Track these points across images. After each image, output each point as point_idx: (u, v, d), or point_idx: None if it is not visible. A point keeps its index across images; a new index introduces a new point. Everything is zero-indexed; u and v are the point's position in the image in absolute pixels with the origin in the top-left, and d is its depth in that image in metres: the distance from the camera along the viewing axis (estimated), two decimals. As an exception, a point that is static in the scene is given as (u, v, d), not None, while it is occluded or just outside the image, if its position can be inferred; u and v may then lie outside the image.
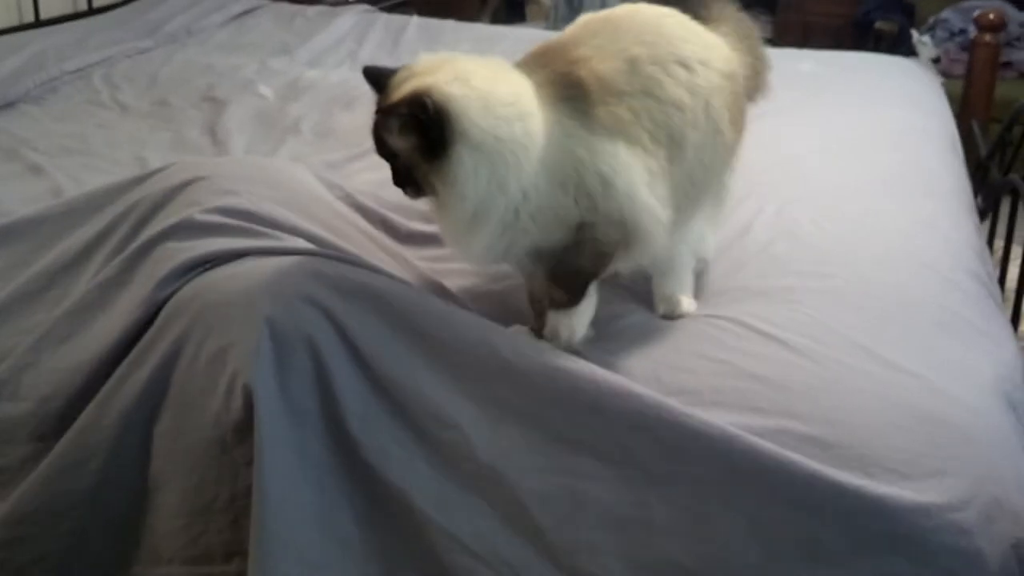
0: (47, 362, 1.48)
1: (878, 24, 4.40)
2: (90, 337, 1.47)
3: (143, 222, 1.58)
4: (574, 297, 1.43)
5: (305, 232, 1.57)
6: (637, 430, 1.27)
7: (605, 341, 1.48)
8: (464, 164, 1.27)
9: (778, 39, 4.99)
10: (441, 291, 1.57)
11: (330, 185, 1.82)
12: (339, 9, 3.61)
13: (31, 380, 1.47)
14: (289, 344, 1.33)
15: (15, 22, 3.26)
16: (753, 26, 1.67)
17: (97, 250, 1.60)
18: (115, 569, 1.43)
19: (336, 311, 1.36)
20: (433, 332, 1.35)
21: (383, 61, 3.07)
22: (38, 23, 3.28)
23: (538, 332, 1.47)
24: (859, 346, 1.43)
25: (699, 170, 1.45)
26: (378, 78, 1.36)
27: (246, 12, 3.56)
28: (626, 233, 1.38)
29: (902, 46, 4.28)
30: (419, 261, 1.69)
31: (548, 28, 5.03)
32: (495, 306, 1.57)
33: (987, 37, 3.15)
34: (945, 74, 4.03)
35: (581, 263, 1.41)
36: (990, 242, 2.57)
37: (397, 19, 3.55)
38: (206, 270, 1.45)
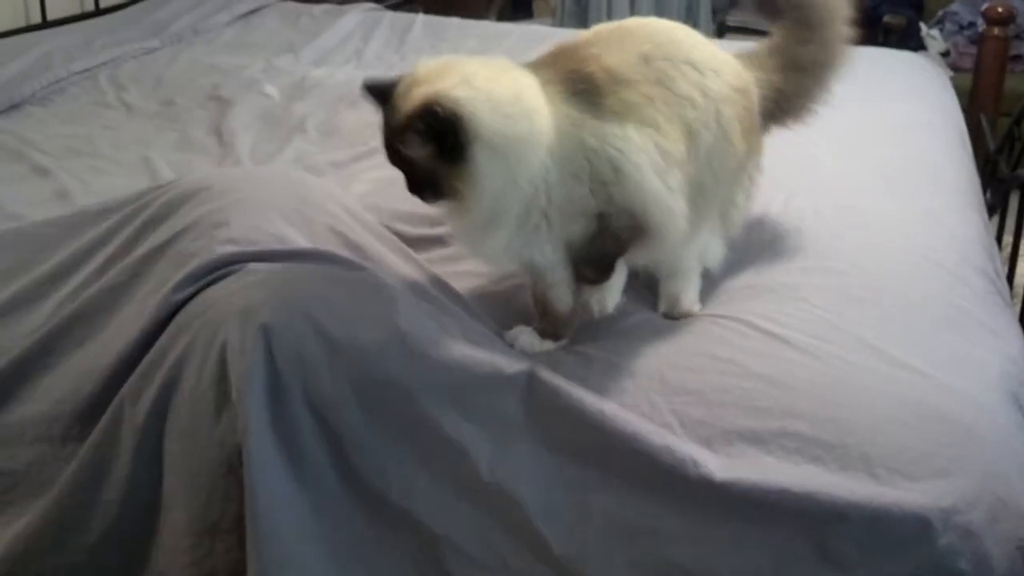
0: (61, 365, 1.49)
1: (887, 18, 4.36)
2: (104, 341, 1.48)
3: (149, 226, 1.58)
4: (602, 276, 1.46)
5: (315, 239, 1.57)
6: (638, 453, 1.27)
7: (610, 340, 1.48)
8: (481, 163, 1.29)
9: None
10: (449, 291, 1.56)
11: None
12: (345, 7, 3.60)
13: (47, 382, 1.48)
14: (284, 360, 1.33)
15: (22, 23, 3.26)
16: (807, 50, 1.66)
17: (97, 253, 1.60)
18: None
19: (333, 330, 1.35)
20: (432, 351, 1.34)
21: (389, 59, 3.08)
22: (45, 24, 3.28)
23: (541, 332, 1.47)
24: (864, 343, 1.42)
25: (709, 177, 1.45)
26: (380, 90, 1.36)
27: (252, 11, 3.55)
28: (638, 222, 1.38)
29: (911, 40, 4.26)
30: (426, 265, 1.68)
31: (555, 25, 5.03)
32: (499, 306, 1.57)
33: (996, 30, 3.13)
34: (954, 68, 4.01)
35: (605, 248, 1.43)
36: (999, 238, 2.56)
37: (403, 17, 3.54)
38: (219, 277, 1.45)
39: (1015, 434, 1.31)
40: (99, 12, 3.51)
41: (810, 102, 1.67)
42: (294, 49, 3.12)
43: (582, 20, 5.01)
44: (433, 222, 1.78)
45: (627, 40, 1.43)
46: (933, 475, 1.22)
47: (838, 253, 1.68)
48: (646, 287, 1.59)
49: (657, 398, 1.35)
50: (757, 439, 1.28)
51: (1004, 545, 1.19)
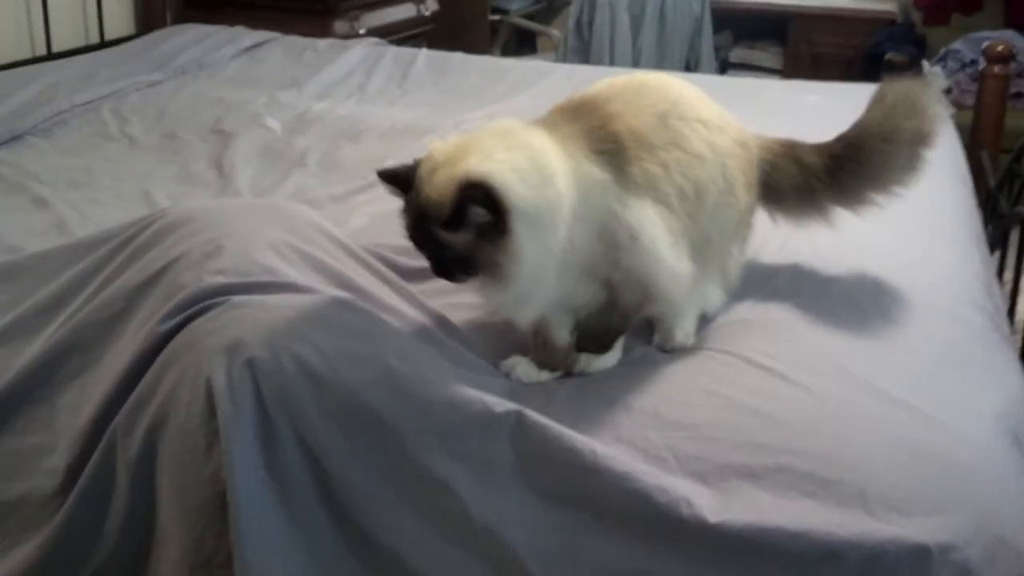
0: (57, 396, 1.49)
1: (889, 55, 4.39)
2: (99, 372, 1.48)
3: (138, 253, 1.58)
4: (603, 350, 1.48)
5: (306, 272, 1.56)
6: (630, 494, 1.25)
7: (604, 375, 1.47)
8: (520, 234, 1.29)
9: (788, 70, 5.01)
10: (445, 325, 1.56)
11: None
12: (349, 42, 3.63)
13: (43, 413, 1.48)
14: (271, 396, 1.33)
15: (28, 55, 3.29)
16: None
17: (92, 281, 1.60)
18: None
19: (320, 367, 1.34)
20: (421, 390, 1.32)
21: (392, 93, 3.10)
22: (50, 56, 3.31)
23: (539, 363, 1.47)
24: (860, 380, 1.41)
25: (715, 230, 1.49)
26: (399, 178, 1.37)
27: (256, 45, 3.57)
28: (646, 293, 1.42)
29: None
30: (421, 297, 1.68)
31: (558, 60, 5.07)
32: (496, 337, 1.56)
33: (996, 68, 3.14)
34: (956, 104, 4.02)
35: (611, 322, 1.47)
36: (1000, 274, 2.55)
37: (406, 52, 3.56)
38: (205, 308, 1.44)
39: (1012, 472, 1.30)
40: (104, 44, 3.54)
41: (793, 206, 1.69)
42: (298, 83, 3.13)
43: (584, 56, 5.05)
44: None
45: (644, 97, 1.47)
46: (929, 512, 1.20)
47: (835, 290, 1.68)
48: (641, 322, 1.58)
49: (651, 433, 1.33)
50: (752, 474, 1.26)
51: (1002, 583, 1.17)
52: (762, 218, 1.88)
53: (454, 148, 1.34)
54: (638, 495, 1.24)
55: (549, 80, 3.15)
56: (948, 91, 4.21)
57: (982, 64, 3.21)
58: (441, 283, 1.69)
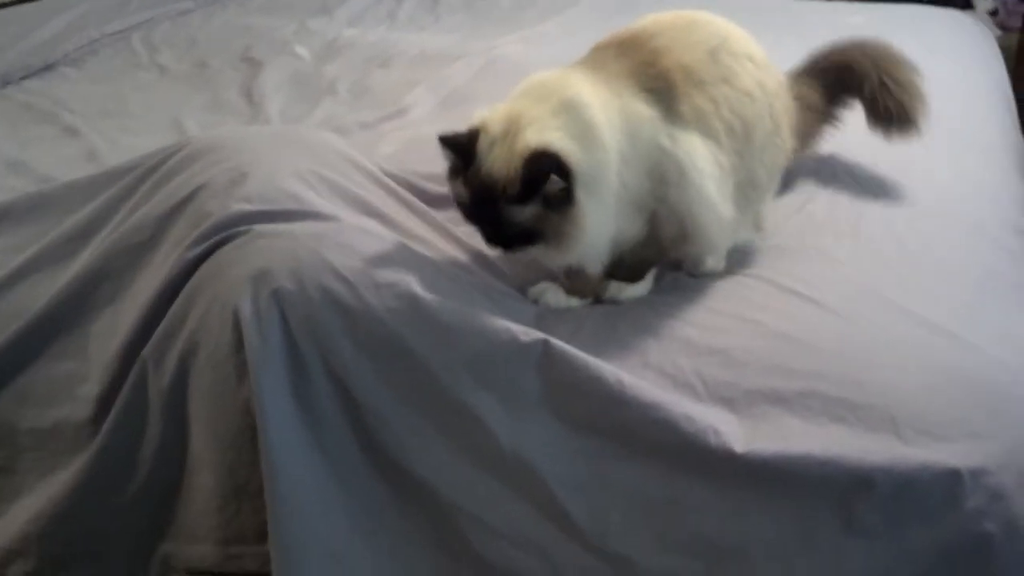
0: (89, 323, 1.50)
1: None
2: (130, 299, 1.48)
3: (163, 181, 1.58)
4: (635, 278, 1.48)
5: (331, 199, 1.55)
6: (658, 424, 1.24)
7: (634, 301, 1.46)
8: (583, 202, 1.31)
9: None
10: (471, 251, 1.55)
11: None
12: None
13: (74, 341, 1.49)
14: (298, 326, 1.32)
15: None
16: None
17: (120, 209, 1.60)
18: (152, 542, 1.45)
19: (348, 297, 1.33)
20: (448, 319, 1.32)
21: (423, 19, 3.05)
22: (82, -15, 3.28)
23: (568, 289, 1.46)
24: (895, 306, 1.39)
25: (762, 171, 1.49)
26: (461, 148, 1.36)
27: (288, -29, 3.52)
28: (686, 231, 1.41)
29: (959, -1, 4.15)
30: (448, 224, 1.66)
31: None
32: (524, 265, 1.54)
33: (1045, -12, 3.04)
34: (1002, 27, 3.90)
35: (647, 255, 1.47)
36: (1042, 199, 2.49)
37: (439, -24, 3.49)
38: (232, 236, 1.44)
39: (1049, 400, 1.28)
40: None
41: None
42: (328, 9, 3.09)
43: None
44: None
45: (693, 33, 1.46)
46: (962, 437, 1.19)
47: (872, 216, 1.65)
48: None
49: (681, 358, 1.32)
50: (781, 400, 1.25)
51: (1035, 508, 1.15)
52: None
53: (505, 120, 1.34)
54: (665, 424, 1.23)
55: (580, 5, 3.09)
56: (994, 13, 4.09)
57: (1030, -16, 3.11)
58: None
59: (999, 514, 1.14)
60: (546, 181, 1.29)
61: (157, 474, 1.43)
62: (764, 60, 1.50)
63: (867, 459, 1.17)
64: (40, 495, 1.45)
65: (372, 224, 1.51)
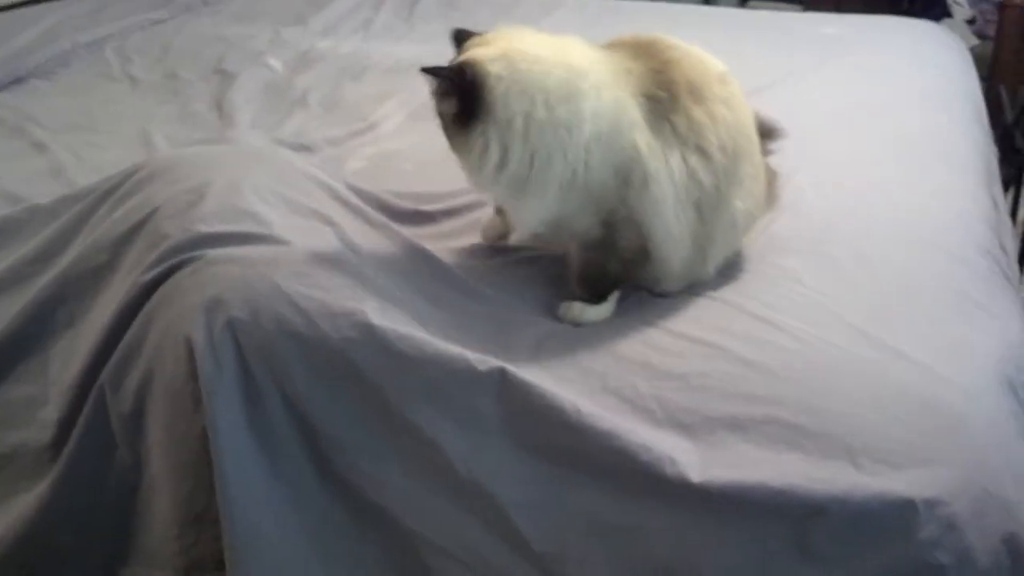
0: (48, 347, 1.50)
1: (914, -17, 4.28)
2: (88, 324, 1.48)
3: (119, 203, 1.57)
4: (593, 297, 1.47)
5: (289, 218, 1.54)
6: (615, 452, 1.24)
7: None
8: (479, 138, 1.35)
9: (809, 3, 4.88)
10: (436, 267, 1.54)
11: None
12: (357, -26, 3.54)
13: (34, 365, 1.49)
14: (253, 355, 1.32)
15: (31, -6, 3.24)
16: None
17: (80, 231, 1.59)
18: (113, 568, 1.44)
19: (302, 326, 1.33)
20: (404, 346, 1.31)
21: (399, 29, 3.04)
22: (55, -6, 3.26)
23: (585, 299, 1.48)
24: (855, 329, 1.39)
25: (737, 203, 1.50)
26: (460, 40, 1.46)
27: (263, -22, 3.50)
28: (642, 241, 1.43)
29: (936, 7, 4.16)
30: (413, 240, 1.65)
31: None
32: (492, 282, 1.54)
33: (1016, -1, 3.06)
34: (980, 35, 3.91)
35: (607, 267, 1.46)
36: (1013, 214, 2.50)
37: (415, -16, 3.48)
38: (188, 260, 1.42)
39: (1006, 422, 1.28)
40: (109, -19, 3.48)
41: None
42: (303, 19, 3.06)
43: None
44: (426, 199, 1.75)
45: (705, 60, 1.51)
46: (916, 464, 1.18)
47: (835, 233, 1.65)
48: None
49: (640, 383, 1.32)
50: (739, 426, 1.25)
51: (988, 539, 1.15)
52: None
53: (500, 36, 1.41)
54: (622, 453, 1.23)
55: (559, 13, 3.08)
56: (972, 21, 4.10)
57: (1005, -6, 3.12)
58: (436, 227, 1.69)
59: (952, 545, 1.14)
60: (452, 92, 1.35)
61: (117, 499, 1.42)
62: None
63: (821, 488, 1.16)
64: (2, 520, 1.45)
65: (330, 244, 1.50)
